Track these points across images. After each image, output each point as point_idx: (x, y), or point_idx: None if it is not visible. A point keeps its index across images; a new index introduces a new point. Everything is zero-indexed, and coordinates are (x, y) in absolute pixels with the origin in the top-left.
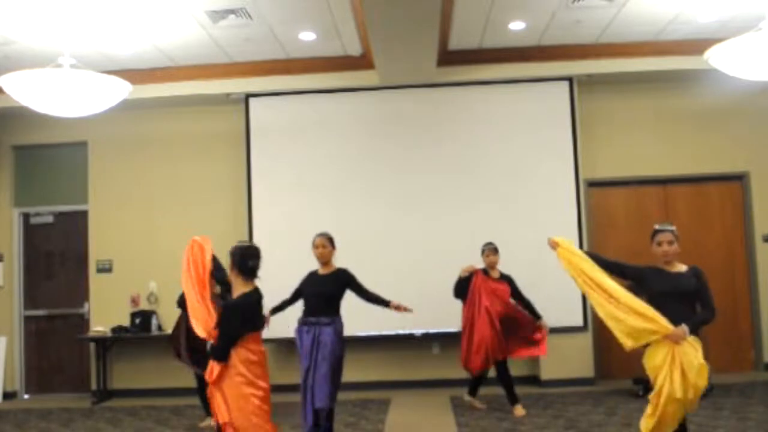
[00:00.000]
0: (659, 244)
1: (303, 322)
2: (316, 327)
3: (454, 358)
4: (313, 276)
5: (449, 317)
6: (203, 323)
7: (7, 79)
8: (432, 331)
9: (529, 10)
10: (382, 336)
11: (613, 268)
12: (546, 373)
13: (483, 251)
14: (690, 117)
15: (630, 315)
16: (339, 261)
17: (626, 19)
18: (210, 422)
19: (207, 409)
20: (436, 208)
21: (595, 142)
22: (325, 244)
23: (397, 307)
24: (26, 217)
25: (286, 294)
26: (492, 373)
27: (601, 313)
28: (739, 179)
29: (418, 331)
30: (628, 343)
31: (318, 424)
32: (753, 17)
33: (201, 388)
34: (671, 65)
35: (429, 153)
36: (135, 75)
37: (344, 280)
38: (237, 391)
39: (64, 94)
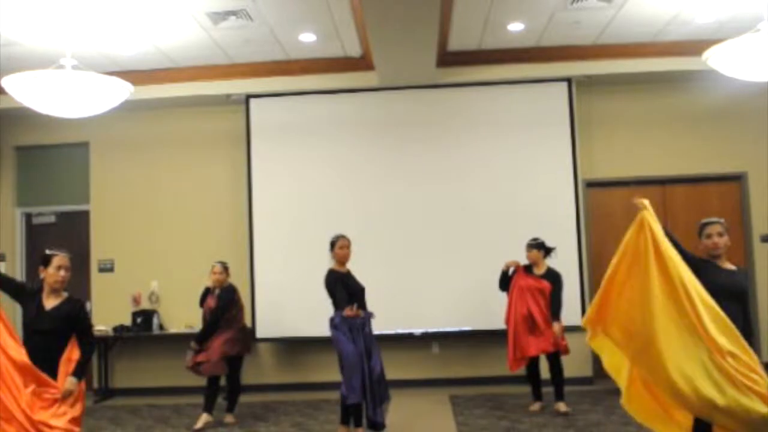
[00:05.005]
0: (708, 236)
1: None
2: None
3: (454, 358)
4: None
5: (449, 317)
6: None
7: (10, 80)
8: (431, 330)
9: (528, 11)
10: (381, 335)
11: (678, 251)
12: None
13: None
14: (688, 117)
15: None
16: None
17: (625, 20)
18: (207, 419)
19: (207, 406)
20: (435, 208)
21: (594, 142)
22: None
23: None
24: (28, 217)
25: (287, 292)
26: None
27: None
28: (737, 179)
29: (417, 330)
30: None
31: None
32: (751, 18)
33: (210, 387)
34: (670, 66)
35: (428, 153)
36: (136, 76)
37: None
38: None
39: (66, 95)
